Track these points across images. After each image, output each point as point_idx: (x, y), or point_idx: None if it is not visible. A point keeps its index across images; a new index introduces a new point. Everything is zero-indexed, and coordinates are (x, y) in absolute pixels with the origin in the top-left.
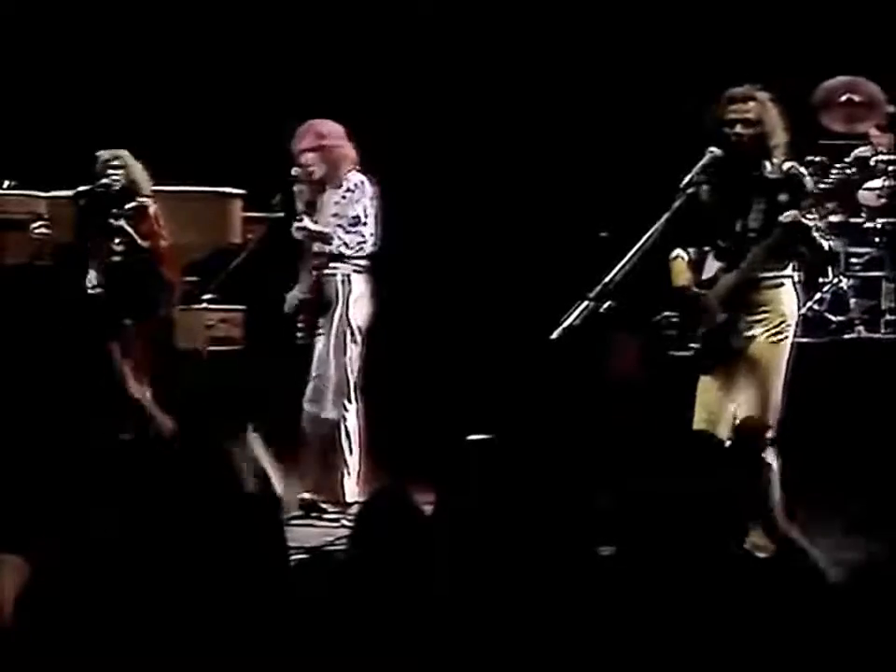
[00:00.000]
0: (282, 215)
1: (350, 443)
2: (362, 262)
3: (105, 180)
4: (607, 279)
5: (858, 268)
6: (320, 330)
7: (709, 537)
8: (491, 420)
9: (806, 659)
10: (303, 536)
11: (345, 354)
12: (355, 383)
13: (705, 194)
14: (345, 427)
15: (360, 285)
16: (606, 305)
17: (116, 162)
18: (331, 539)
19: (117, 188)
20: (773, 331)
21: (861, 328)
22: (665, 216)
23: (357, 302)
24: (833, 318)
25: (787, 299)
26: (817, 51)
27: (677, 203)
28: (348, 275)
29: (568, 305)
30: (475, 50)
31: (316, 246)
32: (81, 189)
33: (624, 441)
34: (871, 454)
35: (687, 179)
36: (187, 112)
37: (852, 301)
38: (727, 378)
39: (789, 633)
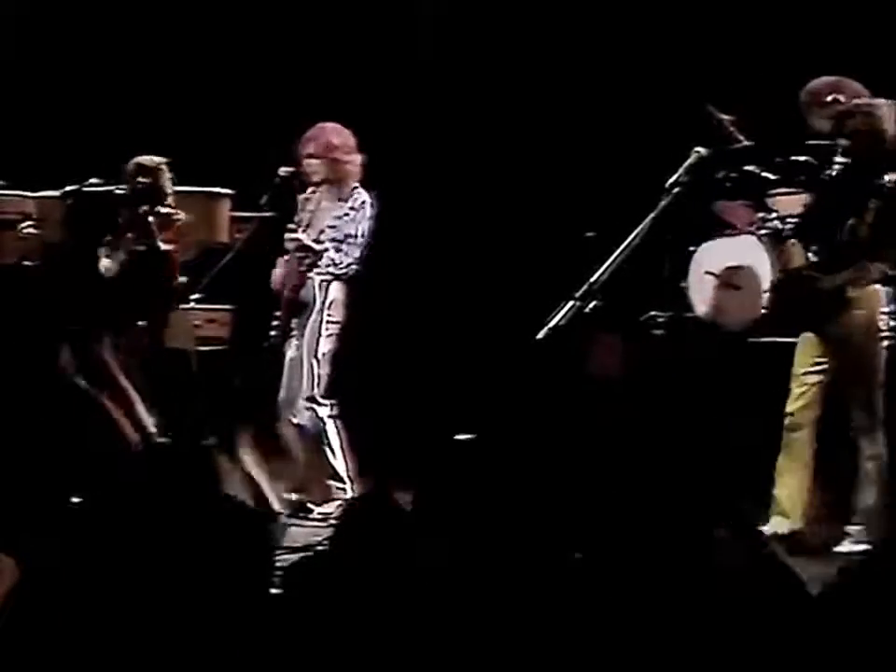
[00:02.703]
0: (271, 214)
1: (330, 443)
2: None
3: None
4: (592, 279)
5: None
6: (294, 332)
7: (694, 535)
8: (475, 420)
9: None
10: (291, 536)
11: (317, 356)
12: (326, 384)
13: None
14: (324, 427)
15: (337, 291)
16: (591, 305)
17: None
18: (318, 538)
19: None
20: (866, 323)
21: None
22: (651, 215)
23: (333, 307)
24: None
25: (882, 295)
26: (804, 53)
27: (663, 203)
28: (328, 282)
29: (554, 305)
30: (463, 54)
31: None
32: (69, 188)
33: (608, 440)
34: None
35: (672, 179)
36: (176, 112)
37: None
38: (823, 359)
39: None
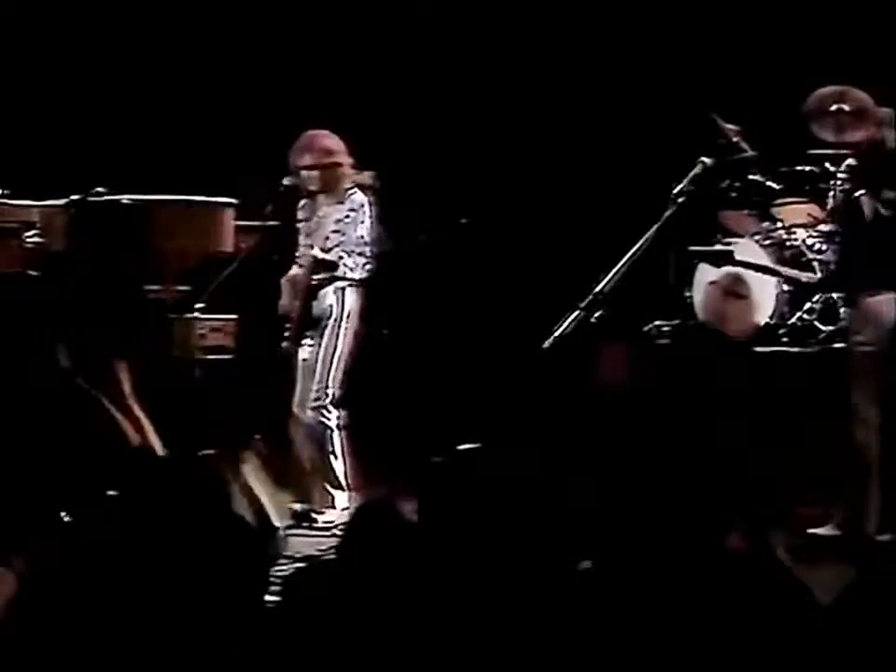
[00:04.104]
0: (275, 224)
1: (335, 450)
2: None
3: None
4: (597, 289)
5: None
6: (308, 340)
7: (695, 542)
8: (480, 429)
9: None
10: (294, 545)
11: (331, 365)
12: (337, 393)
13: None
14: (330, 435)
15: (354, 299)
16: (597, 314)
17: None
18: (323, 548)
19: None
20: None
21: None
22: (656, 225)
23: (350, 316)
24: (823, 328)
25: None
26: (808, 63)
27: (668, 213)
28: (343, 289)
29: (560, 314)
30: (467, 63)
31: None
32: (74, 198)
33: (614, 448)
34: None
35: (678, 189)
36: (180, 122)
37: (842, 310)
38: None
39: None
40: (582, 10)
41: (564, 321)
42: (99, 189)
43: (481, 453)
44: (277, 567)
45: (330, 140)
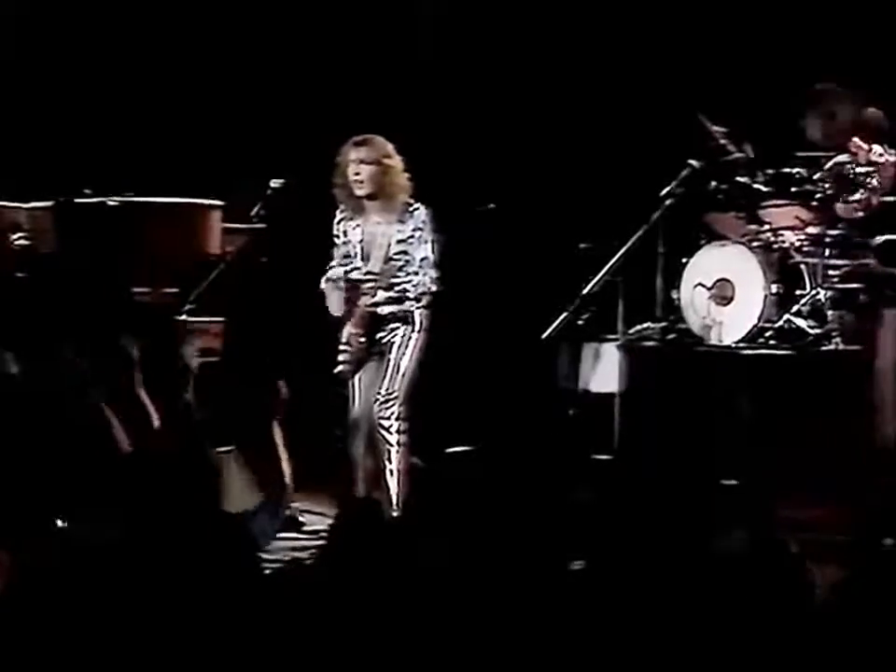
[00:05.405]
0: (262, 226)
1: (392, 468)
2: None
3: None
4: (585, 291)
5: (836, 280)
6: (368, 367)
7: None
8: (468, 431)
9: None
10: (286, 548)
11: (399, 380)
12: (404, 410)
13: None
14: (389, 452)
15: (422, 318)
16: (584, 316)
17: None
18: (312, 550)
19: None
20: None
21: (838, 339)
22: (645, 227)
23: (420, 333)
24: (811, 330)
25: None
26: (796, 63)
27: (656, 215)
28: (411, 313)
29: (548, 316)
30: (460, 64)
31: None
32: (60, 199)
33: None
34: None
35: (666, 191)
36: (166, 123)
37: (829, 313)
38: None
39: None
40: (574, 12)
41: (553, 323)
42: (86, 191)
43: (468, 455)
44: (269, 567)
45: (390, 145)
